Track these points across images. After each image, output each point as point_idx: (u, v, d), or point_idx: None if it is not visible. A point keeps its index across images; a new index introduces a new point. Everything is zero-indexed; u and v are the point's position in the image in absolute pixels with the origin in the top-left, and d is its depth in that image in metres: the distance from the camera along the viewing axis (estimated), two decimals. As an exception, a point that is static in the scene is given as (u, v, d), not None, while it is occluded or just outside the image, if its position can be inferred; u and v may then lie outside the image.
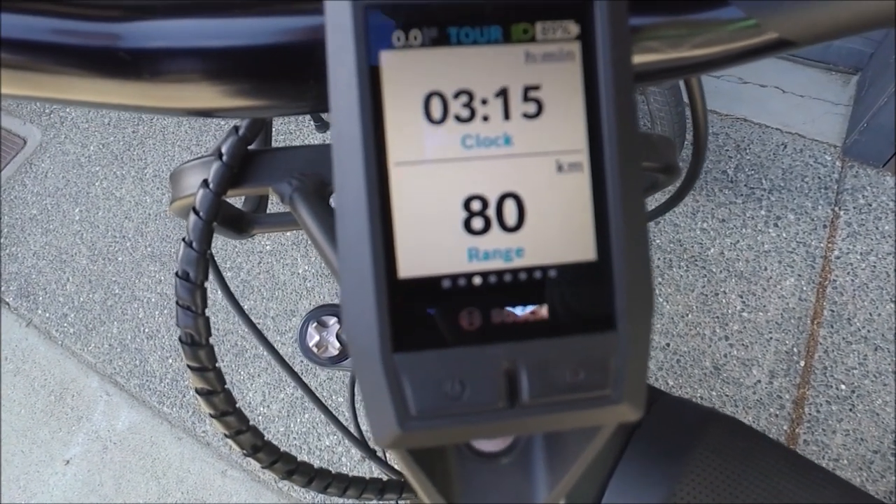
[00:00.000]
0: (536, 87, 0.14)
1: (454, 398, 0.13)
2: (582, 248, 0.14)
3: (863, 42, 1.30)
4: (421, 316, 0.13)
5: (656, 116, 1.02)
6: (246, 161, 0.25)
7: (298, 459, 0.31)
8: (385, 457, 0.51)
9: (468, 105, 0.13)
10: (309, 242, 1.41)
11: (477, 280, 0.14)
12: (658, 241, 1.26)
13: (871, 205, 1.22)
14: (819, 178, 1.27)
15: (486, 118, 0.14)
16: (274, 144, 0.43)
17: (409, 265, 0.13)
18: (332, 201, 0.21)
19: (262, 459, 0.29)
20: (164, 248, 1.50)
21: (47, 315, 1.47)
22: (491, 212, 0.14)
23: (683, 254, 1.25)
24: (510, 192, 0.14)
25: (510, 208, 0.14)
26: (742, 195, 1.28)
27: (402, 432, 0.13)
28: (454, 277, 0.13)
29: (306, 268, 1.39)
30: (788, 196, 1.26)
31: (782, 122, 1.34)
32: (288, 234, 1.43)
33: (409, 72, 0.13)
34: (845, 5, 0.19)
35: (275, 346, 0.35)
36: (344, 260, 0.13)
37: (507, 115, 0.14)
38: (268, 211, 0.42)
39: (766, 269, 1.21)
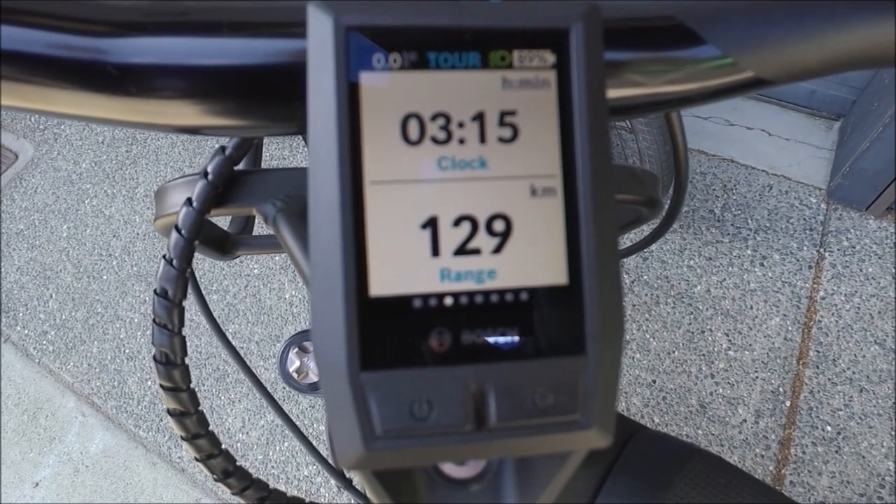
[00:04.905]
0: (512, 113, 0.14)
1: (421, 419, 0.13)
2: (554, 271, 0.14)
3: (846, 90, 1.34)
4: (390, 335, 0.13)
5: (645, 154, 1.04)
6: (231, 181, 0.25)
7: (271, 487, 0.30)
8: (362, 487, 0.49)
9: (445, 128, 0.14)
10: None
11: (448, 301, 0.13)
12: (645, 277, 1.27)
13: (854, 247, 1.24)
14: (804, 219, 1.29)
15: (462, 141, 0.14)
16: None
17: (381, 283, 0.13)
18: None
19: (232, 485, 0.28)
20: (150, 269, 1.48)
21: (26, 332, 1.45)
22: (464, 233, 0.14)
23: (670, 290, 1.25)
24: (484, 214, 0.14)
25: (483, 230, 0.14)
26: (728, 234, 1.29)
27: (366, 452, 0.13)
28: (425, 297, 0.13)
29: (293, 293, 1.38)
30: (774, 236, 1.28)
31: (768, 163, 1.37)
32: (276, 258, 1.42)
33: (388, 93, 0.13)
34: (819, 48, 0.19)
35: (256, 372, 0.34)
36: (315, 275, 0.13)
37: (482, 139, 0.14)
38: (253, 234, 0.42)
39: (752, 307, 1.21)
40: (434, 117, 0.14)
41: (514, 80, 0.14)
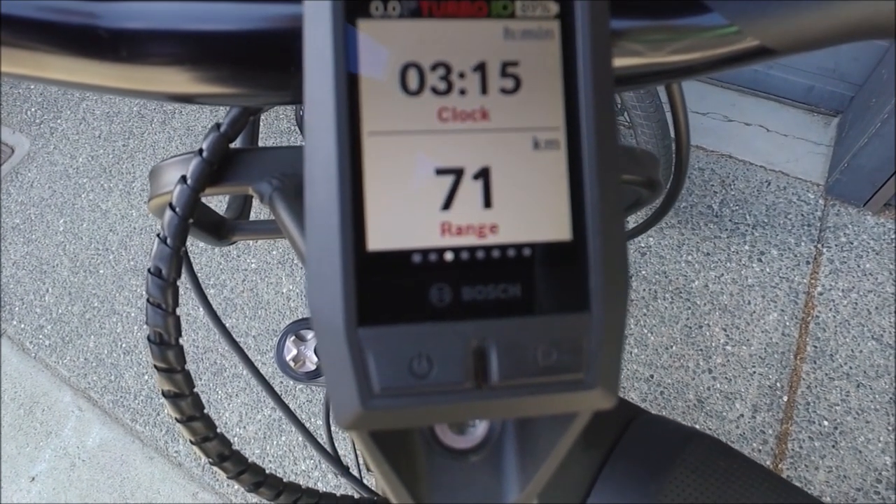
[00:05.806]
0: (515, 64, 0.13)
1: (420, 376, 0.13)
2: (557, 227, 0.13)
3: (844, 86, 1.33)
4: (389, 290, 0.13)
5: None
6: (227, 159, 0.24)
7: (267, 472, 0.29)
8: (360, 475, 0.49)
9: (445, 78, 0.13)
10: (294, 259, 1.40)
11: (449, 256, 0.13)
12: (643, 272, 1.27)
13: (852, 243, 1.24)
14: (802, 215, 1.29)
15: (463, 92, 0.13)
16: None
17: (379, 238, 0.13)
18: None
19: (227, 469, 0.28)
20: (147, 263, 1.47)
21: (22, 326, 1.44)
22: (466, 186, 0.13)
23: (668, 285, 1.25)
24: (485, 167, 0.13)
25: (485, 184, 0.13)
26: (726, 230, 1.29)
27: (363, 411, 0.13)
28: (425, 252, 0.13)
29: (291, 287, 1.38)
30: (772, 232, 1.28)
31: (766, 159, 1.37)
32: (273, 252, 1.41)
33: (387, 42, 0.13)
34: (824, 17, 0.19)
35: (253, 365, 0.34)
36: (311, 230, 0.13)
37: (484, 90, 0.13)
38: (250, 219, 0.42)
39: (749, 303, 1.21)
40: (434, 67, 0.13)
41: (516, 30, 0.13)
